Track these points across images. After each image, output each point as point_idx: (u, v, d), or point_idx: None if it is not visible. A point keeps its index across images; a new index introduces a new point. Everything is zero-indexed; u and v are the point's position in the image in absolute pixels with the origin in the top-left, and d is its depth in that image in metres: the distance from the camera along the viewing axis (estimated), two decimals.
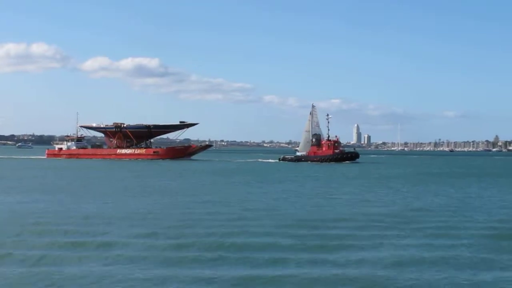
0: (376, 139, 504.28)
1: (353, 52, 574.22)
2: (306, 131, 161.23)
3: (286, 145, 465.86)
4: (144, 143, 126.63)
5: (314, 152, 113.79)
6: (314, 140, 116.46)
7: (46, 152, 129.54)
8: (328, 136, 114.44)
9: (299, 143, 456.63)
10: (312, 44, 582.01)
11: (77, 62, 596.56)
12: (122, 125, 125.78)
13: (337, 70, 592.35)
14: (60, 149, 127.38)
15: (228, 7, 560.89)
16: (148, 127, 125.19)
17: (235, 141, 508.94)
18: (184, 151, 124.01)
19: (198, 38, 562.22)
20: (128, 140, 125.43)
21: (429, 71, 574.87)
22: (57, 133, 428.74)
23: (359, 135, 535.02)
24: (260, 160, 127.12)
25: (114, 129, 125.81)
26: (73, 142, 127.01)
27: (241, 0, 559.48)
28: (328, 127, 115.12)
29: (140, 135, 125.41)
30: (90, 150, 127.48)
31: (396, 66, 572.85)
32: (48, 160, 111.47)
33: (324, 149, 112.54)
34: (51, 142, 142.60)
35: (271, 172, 74.33)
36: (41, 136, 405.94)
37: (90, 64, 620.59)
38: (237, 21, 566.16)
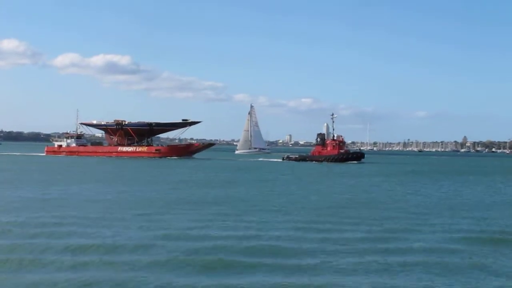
0: (346, 139, 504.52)
1: (324, 52, 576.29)
2: (245, 130, 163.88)
3: None
4: (145, 141, 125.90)
5: (319, 152, 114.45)
6: (319, 139, 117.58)
7: (46, 149, 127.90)
8: (333, 136, 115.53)
9: (268, 141, 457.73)
10: (283, 43, 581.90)
11: (47, 58, 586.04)
12: (124, 123, 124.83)
13: (308, 69, 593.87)
14: (60, 146, 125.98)
15: (200, 6, 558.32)
16: (149, 124, 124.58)
17: (204, 139, 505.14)
18: (187, 149, 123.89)
19: (170, 36, 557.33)
20: (129, 137, 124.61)
21: (399, 71, 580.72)
22: (26, 129, 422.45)
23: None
24: (261, 159, 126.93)
25: (115, 127, 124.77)
26: (72, 139, 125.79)
27: None
28: (333, 126, 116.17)
29: (141, 133, 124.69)
30: (90, 148, 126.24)
31: (367, 66, 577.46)
32: (54, 157, 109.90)
33: (328, 148, 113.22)
34: (50, 139, 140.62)
35: (313, 170, 74.95)
36: (9, 133, 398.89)
37: (61, 60, 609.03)
38: (208, 20, 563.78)
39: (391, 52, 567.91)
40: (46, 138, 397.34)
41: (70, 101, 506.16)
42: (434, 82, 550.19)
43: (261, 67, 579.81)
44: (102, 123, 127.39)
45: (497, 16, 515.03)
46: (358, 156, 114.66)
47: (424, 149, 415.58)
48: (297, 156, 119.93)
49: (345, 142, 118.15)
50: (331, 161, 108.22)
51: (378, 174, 68.83)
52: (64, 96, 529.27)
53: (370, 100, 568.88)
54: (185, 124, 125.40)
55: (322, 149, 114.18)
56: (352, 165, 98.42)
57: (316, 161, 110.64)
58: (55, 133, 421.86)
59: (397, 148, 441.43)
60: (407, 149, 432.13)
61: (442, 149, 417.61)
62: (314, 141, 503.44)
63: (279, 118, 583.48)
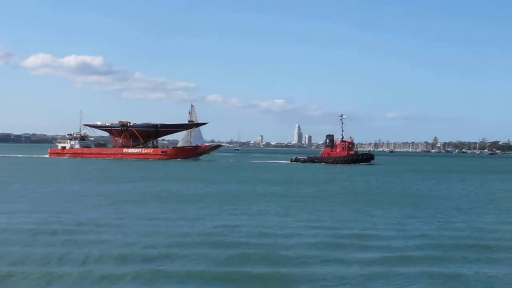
0: (317, 139, 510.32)
1: (296, 52, 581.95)
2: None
3: (228, 145, 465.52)
4: (151, 142, 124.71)
5: (328, 153, 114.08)
6: (327, 141, 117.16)
7: (49, 150, 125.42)
8: (342, 137, 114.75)
9: (240, 142, 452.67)
10: (255, 43, 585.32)
11: (19, 59, 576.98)
12: (129, 124, 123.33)
13: (280, 70, 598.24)
14: (64, 147, 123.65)
15: (172, 7, 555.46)
16: (155, 126, 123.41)
17: (176, 140, 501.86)
18: (194, 151, 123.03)
19: (142, 37, 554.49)
20: (134, 139, 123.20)
21: (371, 72, 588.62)
22: None
23: (300, 135, 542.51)
24: (270, 161, 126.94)
25: (120, 128, 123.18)
26: (76, 141, 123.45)
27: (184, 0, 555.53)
28: (342, 128, 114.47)
29: (147, 134, 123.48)
30: (94, 149, 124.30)
31: (339, 67, 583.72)
32: (66, 160, 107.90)
33: (338, 150, 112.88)
34: (53, 141, 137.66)
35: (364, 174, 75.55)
36: None
37: (32, 60, 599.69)
38: (180, 21, 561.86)
39: (362, 54, 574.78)
40: (16, 139, 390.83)
41: (40, 101, 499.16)
42: (405, 83, 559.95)
43: (234, 68, 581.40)
44: (107, 124, 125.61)
45: (471, 17, 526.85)
46: (367, 157, 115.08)
47: (395, 150, 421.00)
48: (305, 157, 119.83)
49: (354, 144, 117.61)
50: (341, 163, 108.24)
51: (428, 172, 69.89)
52: (34, 97, 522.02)
53: (341, 101, 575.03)
54: (191, 125, 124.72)
55: (331, 151, 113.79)
56: (374, 166, 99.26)
57: (325, 162, 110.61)
58: (25, 133, 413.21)
59: (368, 149, 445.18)
60: (379, 149, 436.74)
61: (413, 150, 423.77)
62: (285, 142, 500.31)
63: (252, 119, 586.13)
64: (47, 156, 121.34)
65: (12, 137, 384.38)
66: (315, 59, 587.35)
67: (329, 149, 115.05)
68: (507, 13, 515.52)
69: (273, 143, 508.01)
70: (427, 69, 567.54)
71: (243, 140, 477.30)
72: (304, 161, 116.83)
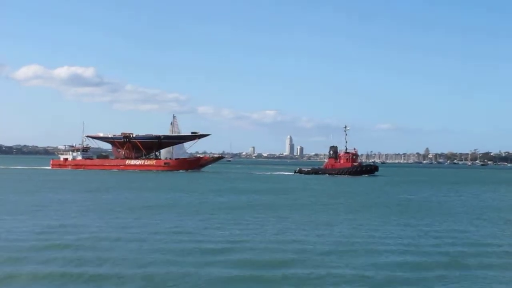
0: (309, 151, 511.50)
1: (287, 64, 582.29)
2: None
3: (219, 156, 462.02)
4: (154, 154, 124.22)
5: (332, 165, 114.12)
6: (331, 152, 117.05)
7: (51, 162, 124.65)
8: (346, 149, 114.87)
9: (232, 153, 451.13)
10: (246, 55, 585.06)
11: (11, 70, 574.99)
12: (131, 135, 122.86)
13: (272, 81, 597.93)
14: (66, 159, 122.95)
15: (160, 18, 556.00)
16: (158, 137, 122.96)
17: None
18: (196, 163, 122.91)
19: (134, 49, 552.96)
20: (137, 150, 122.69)
21: (362, 83, 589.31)
22: None
23: (292, 146, 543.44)
24: (271, 172, 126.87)
25: (122, 139, 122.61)
26: (78, 152, 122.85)
27: (172, 11, 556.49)
28: (346, 139, 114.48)
29: (149, 146, 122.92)
30: (97, 161, 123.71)
31: (330, 78, 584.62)
32: (68, 172, 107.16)
33: (341, 161, 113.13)
34: (55, 152, 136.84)
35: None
36: None
37: (24, 72, 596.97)
38: (171, 32, 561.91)
39: (354, 65, 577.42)
40: (8, 151, 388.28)
41: (32, 113, 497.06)
42: (397, 94, 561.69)
43: (225, 80, 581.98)
44: (109, 135, 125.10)
45: (460, 28, 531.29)
46: (371, 169, 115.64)
47: (387, 161, 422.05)
48: (309, 169, 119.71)
49: (358, 155, 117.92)
50: (344, 174, 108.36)
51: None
52: (26, 109, 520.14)
53: (333, 113, 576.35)
54: (194, 137, 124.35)
55: (335, 162, 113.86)
56: (378, 177, 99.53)
57: (329, 174, 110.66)
58: (17, 145, 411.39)
59: (360, 160, 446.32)
60: (370, 160, 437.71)
61: (405, 161, 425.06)
62: (277, 153, 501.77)
63: (243, 130, 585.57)
64: (49, 167, 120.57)
65: (4, 148, 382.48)
66: (305, 71, 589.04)
67: (333, 161, 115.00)
68: (497, 26, 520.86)
69: (265, 154, 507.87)
70: (418, 81, 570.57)
71: (234, 151, 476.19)
72: (307, 172, 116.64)
